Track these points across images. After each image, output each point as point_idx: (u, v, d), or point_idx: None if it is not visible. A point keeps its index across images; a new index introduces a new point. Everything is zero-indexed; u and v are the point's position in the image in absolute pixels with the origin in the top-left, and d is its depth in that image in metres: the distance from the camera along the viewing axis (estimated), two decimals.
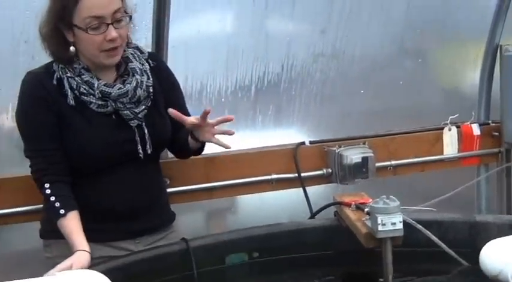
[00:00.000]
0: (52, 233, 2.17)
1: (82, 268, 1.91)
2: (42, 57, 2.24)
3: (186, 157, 2.44)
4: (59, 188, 2.07)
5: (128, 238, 2.20)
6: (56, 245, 2.17)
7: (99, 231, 2.10)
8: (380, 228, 1.89)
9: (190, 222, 2.99)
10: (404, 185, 3.28)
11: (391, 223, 1.89)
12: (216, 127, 2.16)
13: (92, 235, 2.05)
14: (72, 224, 2.03)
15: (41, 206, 2.25)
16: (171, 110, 2.12)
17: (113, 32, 2.02)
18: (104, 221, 2.14)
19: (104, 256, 2.10)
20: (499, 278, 1.51)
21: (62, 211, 2.04)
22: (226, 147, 2.17)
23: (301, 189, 2.96)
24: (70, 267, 1.91)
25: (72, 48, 2.09)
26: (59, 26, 2.07)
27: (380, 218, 1.89)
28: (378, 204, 1.92)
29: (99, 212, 2.14)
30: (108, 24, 2.02)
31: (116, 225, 2.17)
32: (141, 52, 2.23)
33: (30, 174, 2.15)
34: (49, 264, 2.16)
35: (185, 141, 2.24)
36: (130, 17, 2.11)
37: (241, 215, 3.17)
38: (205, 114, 2.10)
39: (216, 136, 2.17)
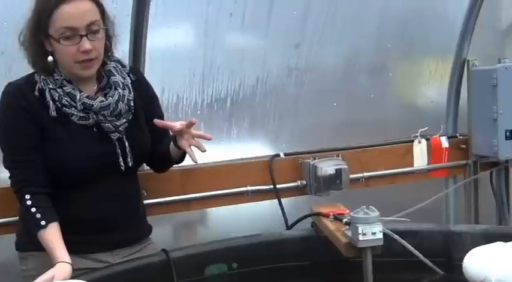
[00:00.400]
0: (28, 245, 2.16)
1: (64, 280, 1.91)
2: (20, 68, 2.24)
3: (165, 169, 2.46)
4: (40, 199, 2.06)
5: (106, 250, 2.20)
6: (32, 258, 2.16)
7: (77, 243, 2.08)
8: (361, 237, 1.93)
9: (161, 235, 2.99)
10: (374, 196, 3.33)
11: (372, 233, 1.93)
12: (194, 139, 2.17)
13: (69, 247, 2.03)
14: (52, 235, 2.02)
15: (17, 218, 2.25)
16: (157, 121, 2.15)
17: (86, 44, 2.03)
18: (82, 232, 2.13)
19: (82, 268, 2.09)
20: None
21: (42, 222, 2.02)
22: (194, 161, 2.18)
23: (272, 200, 2.99)
24: (52, 279, 1.90)
25: (50, 57, 2.09)
26: (38, 36, 2.08)
27: (361, 228, 1.92)
28: (358, 214, 1.96)
29: (77, 223, 2.12)
30: (81, 36, 2.03)
31: (94, 237, 2.16)
32: (123, 66, 2.25)
33: (5, 186, 2.13)
34: (25, 277, 2.16)
35: (167, 151, 2.25)
36: (107, 31, 2.13)
37: (213, 227, 3.19)
38: (190, 125, 2.12)
39: (192, 147, 2.18)
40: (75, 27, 2.02)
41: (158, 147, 2.30)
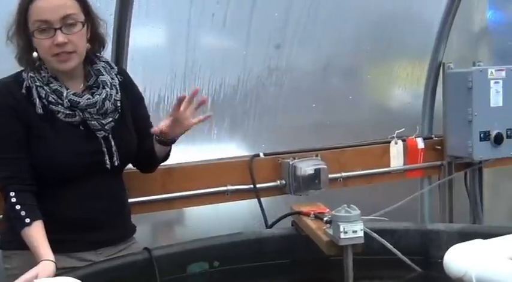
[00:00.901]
0: (12, 244, 2.16)
1: (48, 278, 1.91)
2: (3, 66, 2.23)
3: (152, 169, 2.47)
4: (25, 197, 2.06)
5: (90, 249, 2.20)
6: (16, 256, 2.16)
7: (62, 241, 2.08)
8: (342, 235, 1.97)
9: (140, 234, 3.00)
10: (351, 196, 3.38)
11: (353, 231, 1.97)
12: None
13: (54, 246, 2.03)
14: (37, 233, 2.02)
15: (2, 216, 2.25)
16: (154, 129, 2.18)
17: (59, 37, 2.03)
18: (67, 231, 2.13)
19: (66, 267, 2.08)
20: (463, 280, 1.61)
21: (27, 220, 2.02)
22: (206, 119, 2.27)
23: (251, 200, 3.02)
24: (36, 277, 1.90)
25: (35, 53, 2.10)
26: (23, 31, 2.09)
27: (342, 226, 1.96)
28: (340, 213, 2.00)
29: (63, 222, 2.13)
30: (55, 29, 2.04)
31: (79, 235, 2.16)
32: (111, 67, 2.26)
33: None
34: (9, 275, 2.16)
35: (153, 149, 2.28)
36: (95, 28, 2.13)
37: (192, 226, 3.21)
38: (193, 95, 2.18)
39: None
40: (48, 20, 2.03)
41: (144, 146, 2.31)
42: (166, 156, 2.36)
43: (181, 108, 2.15)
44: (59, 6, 2.04)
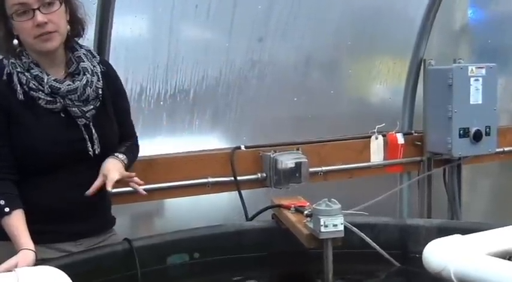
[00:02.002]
0: None
1: (27, 267, 1.90)
2: None
3: None
4: (5, 186, 2.04)
5: (70, 240, 2.19)
6: None
7: (41, 232, 2.06)
8: (322, 229, 1.97)
9: (119, 225, 2.99)
10: (331, 190, 3.39)
11: (333, 225, 1.98)
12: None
13: (33, 237, 2.01)
14: (17, 222, 2.00)
15: None
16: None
17: (39, 17, 2.01)
18: (46, 222, 2.11)
19: (45, 258, 2.05)
20: (442, 274, 1.63)
21: (6, 209, 2.00)
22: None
23: (231, 193, 3.03)
24: (15, 266, 1.88)
25: (15, 41, 2.08)
26: (2, 20, 2.06)
27: (323, 220, 1.97)
28: (320, 207, 2.00)
29: (41, 212, 2.10)
30: (34, 10, 2.01)
31: (58, 226, 2.15)
32: (93, 56, 2.24)
33: None
34: None
35: None
36: (61, 2, 2.08)
37: (171, 217, 3.20)
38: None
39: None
40: (25, 2, 2.01)
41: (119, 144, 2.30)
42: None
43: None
44: None
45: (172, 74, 2.93)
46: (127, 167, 2.27)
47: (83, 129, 2.14)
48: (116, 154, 2.23)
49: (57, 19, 2.06)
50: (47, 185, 2.13)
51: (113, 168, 2.17)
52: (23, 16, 2.02)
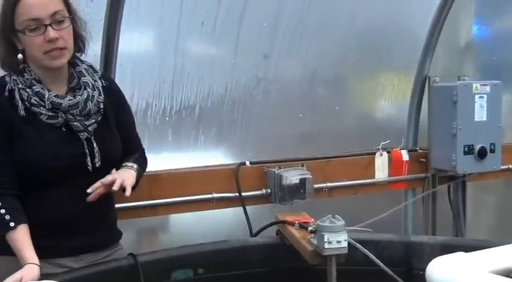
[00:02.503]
0: None
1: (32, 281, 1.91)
2: None
3: None
4: (9, 201, 2.05)
5: (70, 255, 2.18)
6: None
7: (41, 247, 2.05)
8: (326, 245, 1.99)
9: (123, 240, 3.00)
10: (335, 206, 3.40)
11: (337, 241, 1.99)
12: None
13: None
14: (22, 237, 2.02)
15: None
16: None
17: (51, 33, 2.04)
18: (46, 236, 2.10)
19: (44, 274, 2.02)
20: None
21: (11, 224, 2.02)
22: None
23: (235, 208, 3.03)
24: (20, 281, 1.90)
25: (20, 55, 2.10)
26: (6, 34, 2.09)
27: (326, 236, 1.98)
28: (324, 223, 2.02)
29: (41, 226, 2.10)
30: (46, 26, 2.04)
31: (58, 241, 2.14)
32: (95, 71, 2.27)
33: None
34: None
35: None
36: (76, 28, 2.13)
37: (176, 233, 3.21)
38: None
39: None
40: (38, 17, 2.03)
41: (125, 157, 2.31)
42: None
43: None
44: (47, 2, 2.05)
45: (178, 90, 2.95)
46: (138, 177, 2.28)
47: (84, 143, 2.16)
48: (126, 164, 2.26)
49: (67, 36, 2.10)
50: (47, 199, 2.13)
51: (127, 175, 2.20)
52: (35, 31, 2.05)
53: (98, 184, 2.13)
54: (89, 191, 2.12)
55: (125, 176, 2.20)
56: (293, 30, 3.16)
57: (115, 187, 2.14)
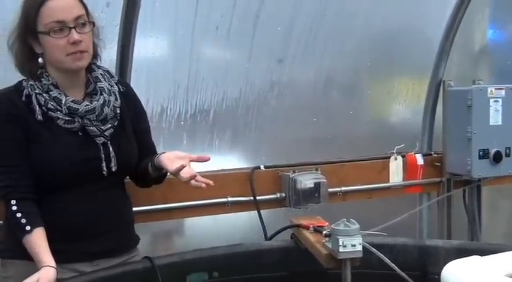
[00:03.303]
0: (9, 253, 2.17)
1: None
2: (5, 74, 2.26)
3: (146, 185, 2.46)
4: (26, 205, 2.07)
5: (86, 260, 2.18)
6: (12, 266, 2.17)
7: (57, 252, 2.05)
8: (341, 249, 1.98)
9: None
10: (350, 210, 3.40)
11: (351, 245, 1.99)
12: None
13: None
14: (38, 240, 2.03)
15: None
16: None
17: (75, 35, 2.07)
18: (63, 240, 2.11)
19: (59, 279, 2.03)
20: None
21: (27, 227, 2.03)
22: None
23: (249, 212, 3.04)
24: None
25: (40, 59, 2.13)
26: (26, 38, 2.11)
27: (341, 240, 1.98)
28: (339, 227, 2.01)
29: (59, 230, 2.11)
30: (70, 28, 2.07)
31: (74, 245, 2.15)
32: (111, 76, 2.29)
33: None
34: None
35: (145, 169, 2.29)
36: (94, 24, 2.16)
37: (191, 237, 3.21)
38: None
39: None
40: (63, 20, 2.07)
41: (141, 163, 2.32)
42: (158, 180, 2.38)
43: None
44: (72, 6, 2.09)
45: (193, 95, 2.97)
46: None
47: (101, 147, 2.17)
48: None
49: (88, 40, 2.13)
50: (62, 203, 2.15)
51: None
52: (60, 33, 2.08)
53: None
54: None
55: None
56: (307, 34, 3.17)
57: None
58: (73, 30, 2.08)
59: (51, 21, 2.07)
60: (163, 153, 2.27)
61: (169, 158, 2.22)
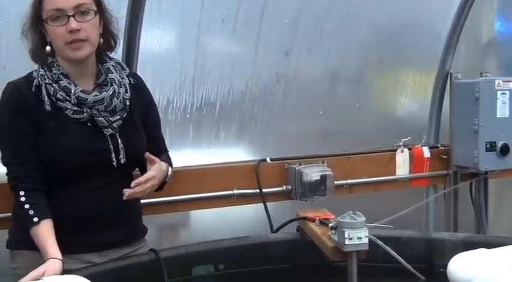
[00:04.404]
0: (18, 244, 2.18)
1: (55, 276, 1.93)
2: (14, 66, 2.26)
3: None
4: (34, 196, 2.07)
5: (94, 251, 2.19)
6: (20, 256, 2.18)
7: (65, 242, 2.06)
8: (347, 242, 1.98)
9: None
10: (356, 203, 3.39)
11: (357, 237, 1.98)
12: None
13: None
14: (45, 232, 2.03)
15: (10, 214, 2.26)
16: (146, 154, 2.18)
17: (72, 23, 2.06)
18: (71, 232, 2.12)
19: (67, 269, 2.03)
20: None
21: (35, 219, 2.03)
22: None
23: (255, 205, 3.05)
24: (42, 275, 1.91)
25: (48, 47, 2.13)
26: (36, 25, 2.11)
27: (347, 232, 1.98)
28: (345, 219, 2.01)
29: (65, 221, 2.11)
30: (69, 16, 2.06)
31: (82, 236, 2.15)
32: (123, 68, 2.28)
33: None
34: (14, 274, 2.16)
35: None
36: (96, 13, 2.13)
37: (197, 229, 3.22)
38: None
39: None
40: (61, 8, 2.06)
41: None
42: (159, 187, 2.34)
43: None
44: None
45: (199, 87, 2.97)
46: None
47: (109, 139, 2.16)
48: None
49: (90, 29, 2.11)
50: (70, 195, 2.14)
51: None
52: (57, 21, 2.07)
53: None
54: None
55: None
56: (314, 27, 3.16)
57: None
58: (71, 19, 2.06)
59: (51, 9, 2.07)
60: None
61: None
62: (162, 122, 2.48)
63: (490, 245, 1.84)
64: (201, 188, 2.92)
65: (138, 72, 2.68)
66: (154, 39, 2.82)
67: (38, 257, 2.03)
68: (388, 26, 3.40)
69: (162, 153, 2.36)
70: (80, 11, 2.08)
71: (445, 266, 1.78)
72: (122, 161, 2.18)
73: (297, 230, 2.45)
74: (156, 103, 2.78)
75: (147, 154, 2.20)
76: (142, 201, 2.65)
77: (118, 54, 2.63)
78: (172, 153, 2.50)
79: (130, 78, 2.28)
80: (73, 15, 2.06)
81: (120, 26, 2.60)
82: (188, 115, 2.98)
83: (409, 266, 2.22)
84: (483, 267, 1.63)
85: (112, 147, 2.17)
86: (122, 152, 2.18)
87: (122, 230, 2.24)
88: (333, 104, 3.34)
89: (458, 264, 1.66)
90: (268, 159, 3.09)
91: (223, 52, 3.04)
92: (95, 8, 2.13)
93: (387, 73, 3.54)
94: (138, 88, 2.31)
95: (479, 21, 3.77)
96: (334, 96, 3.35)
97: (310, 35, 3.16)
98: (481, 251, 1.72)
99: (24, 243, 2.10)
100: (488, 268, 1.63)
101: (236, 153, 3.13)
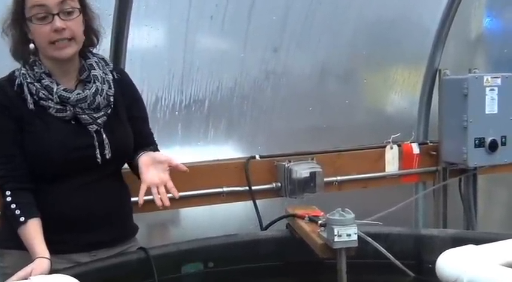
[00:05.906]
0: (4, 243, 2.17)
1: (42, 275, 1.91)
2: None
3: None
4: (20, 195, 2.06)
5: (83, 250, 2.18)
6: (8, 255, 2.17)
7: (53, 242, 2.05)
8: (336, 239, 1.98)
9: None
10: (346, 200, 3.39)
11: (347, 234, 1.98)
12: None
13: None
14: (32, 231, 2.02)
15: None
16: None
17: (57, 22, 2.03)
18: (59, 231, 2.10)
19: (55, 269, 2.02)
20: None
21: (22, 219, 2.03)
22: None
23: (245, 202, 3.04)
24: (30, 274, 1.90)
25: (31, 45, 2.10)
26: (18, 22, 2.09)
27: (336, 229, 1.97)
28: (334, 216, 2.01)
29: (55, 220, 2.10)
30: (53, 15, 2.04)
31: (71, 236, 2.14)
32: (106, 63, 2.26)
33: None
34: (1, 274, 2.15)
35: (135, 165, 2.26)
36: (80, 11, 2.11)
37: (186, 227, 3.21)
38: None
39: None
40: (45, 4, 2.03)
41: (136, 152, 2.28)
42: None
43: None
44: None
45: (188, 84, 2.95)
46: None
47: (94, 135, 2.15)
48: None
49: (75, 27, 2.09)
50: (58, 192, 2.14)
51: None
52: (43, 20, 2.05)
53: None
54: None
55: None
56: (302, 23, 3.15)
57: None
58: (56, 17, 2.04)
59: (34, 5, 2.04)
60: (144, 153, 2.22)
61: (147, 164, 2.18)
62: (151, 120, 2.47)
63: (478, 241, 1.84)
64: (190, 186, 2.89)
65: (126, 70, 2.66)
66: (142, 37, 2.80)
67: (27, 256, 2.02)
68: (376, 21, 3.39)
69: (149, 146, 2.34)
70: (64, 10, 2.05)
71: (434, 262, 1.78)
72: (108, 156, 2.17)
73: (287, 228, 2.45)
74: (145, 101, 2.77)
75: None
76: (132, 199, 2.66)
77: (106, 51, 2.64)
78: (160, 151, 2.49)
79: (114, 73, 2.26)
80: (58, 14, 2.04)
81: (107, 23, 2.61)
82: (177, 113, 2.97)
83: (398, 263, 2.23)
84: (471, 263, 1.64)
85: (97, 143, 2.15)
86: (107, 147, 2.17)
87: (110, 230, 2.22)
88: (322, 100, 3.33)
89: (447, 260, 1.66)
90: (257, 157, 3.08)
91: (211, 49, 3.02)
92: (79, 6, 2.11)
93: (376, 69, 3.53)
94: (122, 83, 2.29)
95: (468, 18, 3.77)
96: (324, 92, 3.35)
97: (299, 31, 3.15)
98: (470, 247, 1.72)
99: (13, 243, 2.09)
100: (476, 264, 1.63)
101: (225, 151, 3.11)
